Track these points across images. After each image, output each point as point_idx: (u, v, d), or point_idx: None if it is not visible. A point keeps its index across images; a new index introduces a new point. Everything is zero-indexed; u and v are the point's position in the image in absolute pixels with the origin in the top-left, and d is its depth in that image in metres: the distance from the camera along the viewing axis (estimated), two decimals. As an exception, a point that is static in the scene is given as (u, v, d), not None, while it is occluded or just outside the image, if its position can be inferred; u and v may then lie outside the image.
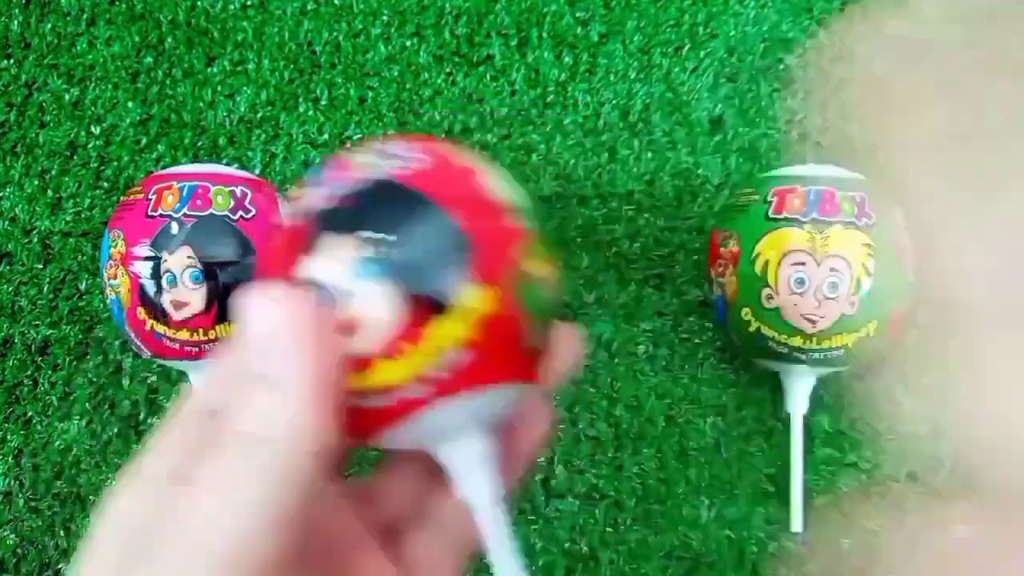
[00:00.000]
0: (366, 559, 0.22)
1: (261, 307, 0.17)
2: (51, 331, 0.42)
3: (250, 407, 0.17)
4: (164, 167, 0.39)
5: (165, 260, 0.34)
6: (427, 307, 0.17)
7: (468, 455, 0.20)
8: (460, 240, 0.18)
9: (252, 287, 0.18)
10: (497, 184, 0.20)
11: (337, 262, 0.18)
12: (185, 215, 0.34)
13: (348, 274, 0.18)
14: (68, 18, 0.45)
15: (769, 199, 0.35)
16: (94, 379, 0.42)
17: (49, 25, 0.45)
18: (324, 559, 0.21)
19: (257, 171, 0.44)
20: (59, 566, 0.40)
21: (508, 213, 0.19)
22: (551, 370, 0.21)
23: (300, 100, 0.45)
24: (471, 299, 0.18)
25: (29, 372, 0.42)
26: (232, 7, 0.45)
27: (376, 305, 0.17)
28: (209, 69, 0.45)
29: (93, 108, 0.44)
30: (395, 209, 0.18)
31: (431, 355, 0.18)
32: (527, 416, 0.22)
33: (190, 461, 0.17)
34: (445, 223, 0.18)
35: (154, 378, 0.42)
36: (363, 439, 0.20)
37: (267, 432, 0.16)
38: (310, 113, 0.44)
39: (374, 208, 0.18)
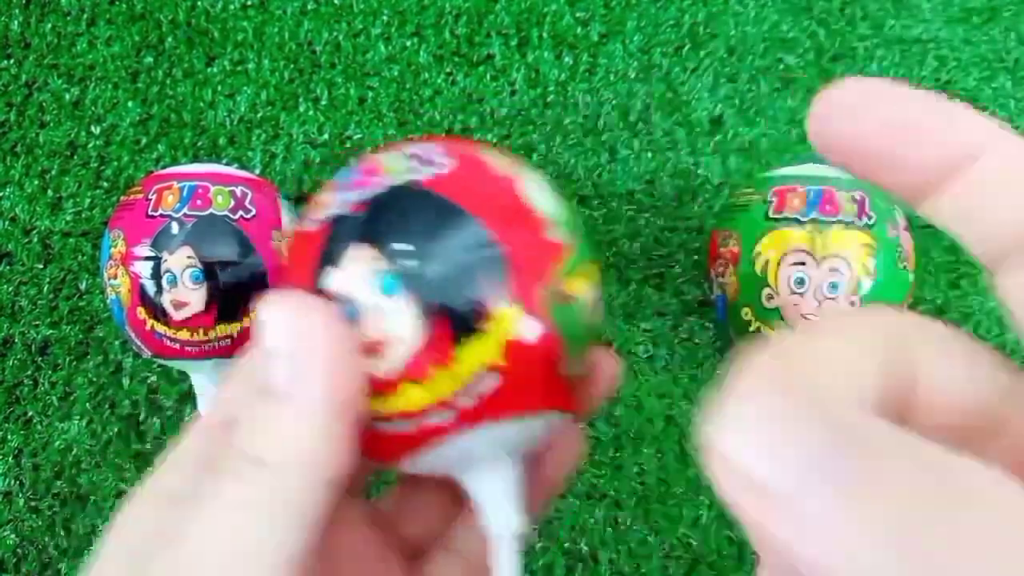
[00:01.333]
0: None
1: (282, 317, 0.16)
2: (51, 331, 0.42)
3: (261, 426, 0.16)
4: (164, 167, 0.39)
5: (165, 260, 0.34)
6: (455, 328, 0.16)
7: (492, 485, 0.18)
8: (492, 255, 0.16)
9: (273, 294, 0.16)
10: (538, 194, 0.18)
11: (361, 275, 0.16)
12: (185, 215, 0.34)
13: (373, 288, 0.16)
14: (68, 18, 0.45)
15: (769, 199, 0.35)
16: (94, 379, 0.42)
17: (49, 25, 0.45)
18: None
19: (257, 171, 0.44)
20: (59, 566, 0.40)
21: (547, 226, 0.18)
22: (587, 397, 0.19)
23: (300, 100, 0.44)
24: (503, 321, 0.16)
25: (29, 372, 0.42)
26: (232, 7, 0.45)
27: (401, 324, 0.16)
28: (209, 69, 0.45)
29: (93, 108, 0.44)
30: (424, 219, 0.16)
31: (457, 381, 0.16)
32: (556, 442, 0.21)
33: (197, 478, 0.15)
34: (476, 235, 0.16)
35: (154, 378, 0.42)
36: (384, 463, 0.18)
37: (277, 456, 0.15)
38: (310, 113, 0.44)
39: (401, 217, 0.17)
